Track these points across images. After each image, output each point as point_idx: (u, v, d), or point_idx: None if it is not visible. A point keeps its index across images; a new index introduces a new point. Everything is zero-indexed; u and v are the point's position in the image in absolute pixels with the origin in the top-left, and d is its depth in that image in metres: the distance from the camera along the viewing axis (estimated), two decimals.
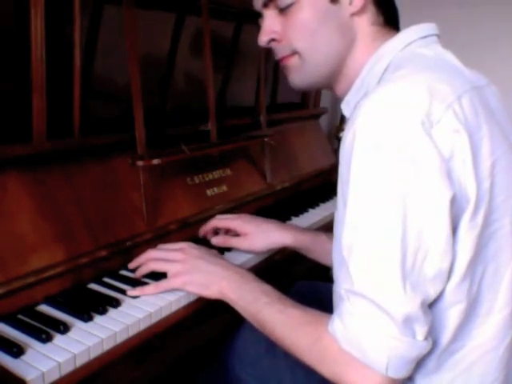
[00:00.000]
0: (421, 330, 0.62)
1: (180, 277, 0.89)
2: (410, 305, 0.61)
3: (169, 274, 0.91)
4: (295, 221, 1.37)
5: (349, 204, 0.65)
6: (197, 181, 1.26)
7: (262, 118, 1.53)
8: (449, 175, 0.62)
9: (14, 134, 0.92)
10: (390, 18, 0.79)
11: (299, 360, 0.72)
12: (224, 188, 1.33)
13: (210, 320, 1.01)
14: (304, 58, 0.77)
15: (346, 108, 0.81)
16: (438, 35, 0.77)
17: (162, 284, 0.91)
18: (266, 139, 1.49)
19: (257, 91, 1.59)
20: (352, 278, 0.63)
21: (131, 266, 0.97)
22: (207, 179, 1.29)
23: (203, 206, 1.24)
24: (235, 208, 1.31)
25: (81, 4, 0.96)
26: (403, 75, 0.68)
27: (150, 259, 0.94)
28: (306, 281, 1.24)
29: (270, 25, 0.79)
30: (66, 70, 0.98)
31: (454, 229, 0.64)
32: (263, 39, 0.80)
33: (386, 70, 0.74)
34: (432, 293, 0.64)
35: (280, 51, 0.80)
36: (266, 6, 0.79)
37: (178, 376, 1.05)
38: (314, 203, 1.52)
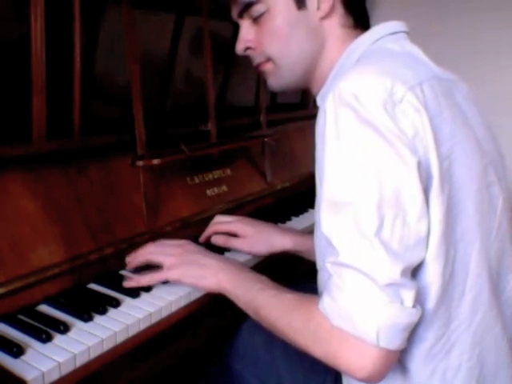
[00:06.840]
0: (408, 296, 0.62)
1: (176, 269, 0.89)
2: (394, 270, 0.61)
3: (164, 266, 0.90)
4: (295, 221, 1.37)
5: (325, 181, 0.67)
6: (197, 181, 1.26)
7: (262, 118, 1.54)
8: (413, 149, 0.64)
9: (14, 133, 0.92)
10: (359, 20, 0.83)
11: (296, 348, 0.72)
12: (224, 188, 1.33)
13: (210, 320, 1.01)
14: (277, 63, 0.83)
15: (320, 101, 0.85)
16: (407, 32, 0.80)
17: (158, 275, 0.90)
18: (266, 139, 1.49)
19: (257, 91, 1.59)
20: (337, 250, 0.64)
21: (128, 259, 0.96)
22: (207, 179, 1.29)
23: (203, 205, 1.24)
24: (235, 208, 1.31)
25: (81, 4, 0.96)
26: (369, 62, 0.74)
27: (148, 253, 0.94)
28: (304, 282, 1.23)
29: (245, 34, 0.85)
30: (65, 70, 0.98)
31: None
32: (239, 47, 0.86)
33: (357, 61, 0.77)
34: (415, 259, 0.65)
35: (256, 58, 0.86)
36: (240, 16, 0.84)
37: (178, 376, 1.05)
38: (314, 203, 1.51)
